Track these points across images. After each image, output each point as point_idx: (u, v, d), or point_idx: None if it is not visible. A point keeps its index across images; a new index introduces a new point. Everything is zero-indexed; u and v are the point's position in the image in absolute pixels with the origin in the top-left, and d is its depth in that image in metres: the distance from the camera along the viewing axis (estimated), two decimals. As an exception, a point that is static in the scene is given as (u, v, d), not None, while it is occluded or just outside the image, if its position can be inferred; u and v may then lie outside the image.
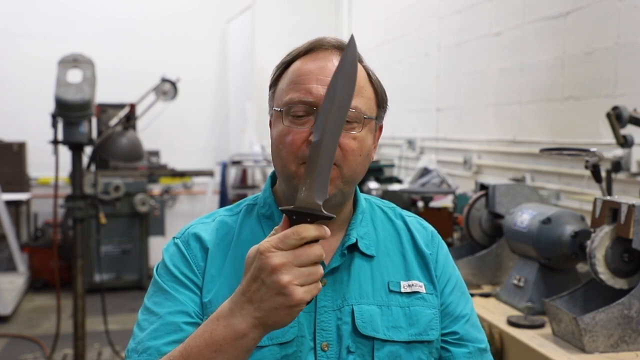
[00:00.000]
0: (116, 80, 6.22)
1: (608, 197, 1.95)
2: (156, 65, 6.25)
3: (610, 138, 2.58)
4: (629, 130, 2.50)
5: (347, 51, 0.96)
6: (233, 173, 6.70)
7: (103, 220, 3.77)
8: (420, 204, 3.12)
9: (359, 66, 1.07)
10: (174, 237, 1.19)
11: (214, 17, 7.21)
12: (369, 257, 1.17)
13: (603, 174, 2.36)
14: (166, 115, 6.31)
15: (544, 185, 3.40)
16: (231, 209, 1.23)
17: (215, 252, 1.14)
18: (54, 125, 3.51)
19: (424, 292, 1.17)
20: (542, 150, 2.39)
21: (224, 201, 6.60)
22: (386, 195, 3.24)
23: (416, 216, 1.29)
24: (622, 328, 1.82)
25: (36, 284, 6.05)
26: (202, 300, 1.10)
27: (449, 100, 4.71)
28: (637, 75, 2.82)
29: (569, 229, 2.19)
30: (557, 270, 2.29)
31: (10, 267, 6.05)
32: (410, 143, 5.24)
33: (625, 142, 2.45)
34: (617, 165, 2.71)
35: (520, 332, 2.04)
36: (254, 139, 6.33)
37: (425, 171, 4.22)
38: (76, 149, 3.56)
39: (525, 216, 2.36)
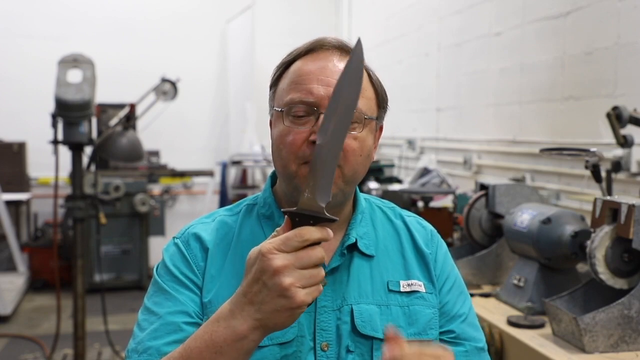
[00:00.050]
0: (116, 80, 6.22)
1: (608, 197, 1.95)
2: (156, 65, 6.25)
3: (610, 138, 2.58)
4: (629, 130, 2.50)
5: (354, 54, 0.96)
6: (233, 173, 6.70)
7: (103, 220, 3.77)
8: (420, 204, 3.12)
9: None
10: (174, 237, 1.19)
11: (214, 17, 7.22)
12: (369, 257, 1.17)
13: (603, 174, 2.36)
14: (166, 115, 6.31)
15: (544, 185, 3.40)
16: (231, 209, 1.22)
17: (215, 252, 1.14)
18: (54, 125, 3.51)
19: (424, 291, 1.17)
20: (542, 150, 2.39)
21: (224, 201, 6.60)
22: (386, 195, 3.24)
23: (416, 216, 1.29)
24: (622, 328, 1.82)
25: (36, 284, 6.05)
26: (202, 300, 1.10)
27: (449, 100, 4.71)
28: (637, 75, 2.82)
29: (569, 229, 2.19)
30: (557, 270, 2.29)
31: (10, 267, 6.05)
32: (410, 143, 5.24)
33: (625, 142, 2.45)
34: (617, 165, 2.71)
35: (520, 332, 2.04)
36: (254, 139, 6.32)
37: (425, 171, 4.22)
38: (76, 149, 3.56)
39: (525, 216, 2.36)
